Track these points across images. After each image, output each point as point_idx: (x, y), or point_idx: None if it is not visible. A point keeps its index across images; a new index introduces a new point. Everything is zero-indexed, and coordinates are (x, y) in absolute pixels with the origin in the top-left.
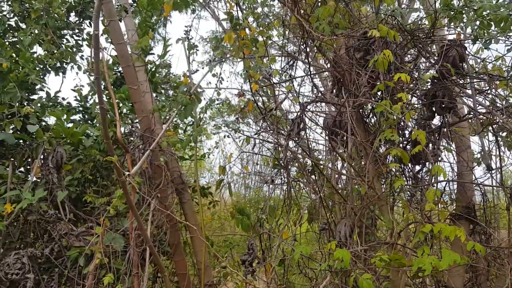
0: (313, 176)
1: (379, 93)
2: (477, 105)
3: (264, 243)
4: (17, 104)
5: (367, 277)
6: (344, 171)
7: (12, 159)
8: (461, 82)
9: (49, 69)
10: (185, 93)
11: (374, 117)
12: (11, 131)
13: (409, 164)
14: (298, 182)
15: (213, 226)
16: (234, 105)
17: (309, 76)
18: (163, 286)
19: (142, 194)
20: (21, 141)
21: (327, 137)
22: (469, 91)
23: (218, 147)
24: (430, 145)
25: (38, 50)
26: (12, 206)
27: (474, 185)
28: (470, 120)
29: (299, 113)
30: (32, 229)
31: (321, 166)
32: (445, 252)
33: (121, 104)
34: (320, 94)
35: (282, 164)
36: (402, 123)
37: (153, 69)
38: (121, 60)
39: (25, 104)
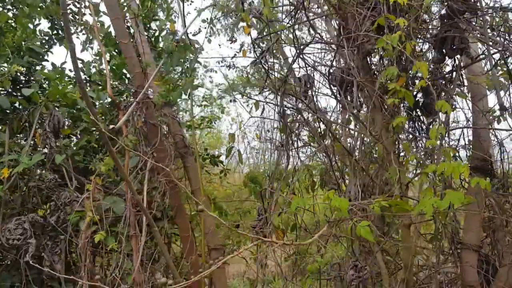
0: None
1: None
2: (491, 43)
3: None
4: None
5: (365, 224)
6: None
7: (9, 124)
8: (472, 19)
9: (54, 40)
10: (171, 40)
11: (382, 65)
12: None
13: (420, 116)
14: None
15: (227, 194)
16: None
17: (307, 19)
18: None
19: (138, 153)
20: (17, 105)
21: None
22: (481, 29)
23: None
24: (443, 93)
25: (43, 24)
26: (9, 171)
27: (490, 136)
28: (484, 61)
29: (295, 57)
30: (33, 195)
31: (332, 127)
32: (448, 193)
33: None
34: (319, 36)
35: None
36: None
37: (155, 34)
38: (110, 12)
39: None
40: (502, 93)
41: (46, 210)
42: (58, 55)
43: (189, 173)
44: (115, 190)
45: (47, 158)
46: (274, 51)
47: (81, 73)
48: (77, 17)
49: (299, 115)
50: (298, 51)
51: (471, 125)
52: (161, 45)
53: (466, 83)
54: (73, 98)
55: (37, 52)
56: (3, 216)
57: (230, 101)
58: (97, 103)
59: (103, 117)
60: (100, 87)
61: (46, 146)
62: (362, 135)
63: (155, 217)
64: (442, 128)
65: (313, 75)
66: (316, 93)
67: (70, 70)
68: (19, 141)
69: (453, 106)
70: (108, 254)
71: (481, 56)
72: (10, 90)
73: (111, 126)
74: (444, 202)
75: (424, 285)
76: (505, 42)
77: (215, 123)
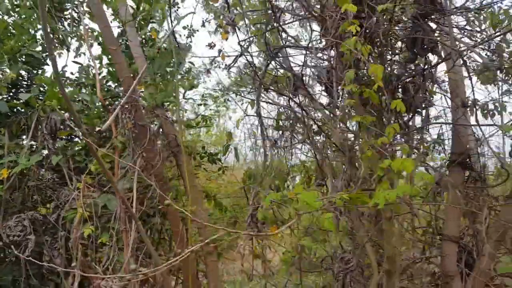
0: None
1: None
2: (456, 43)
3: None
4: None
5: (328, 216)
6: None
7: (8, 127)
8: (439, 20)
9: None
10: (152, 46)
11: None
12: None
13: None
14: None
15: (228, 191)
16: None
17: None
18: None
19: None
20: (16, 109)
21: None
22: (448, 29)
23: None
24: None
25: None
26: (9, 172)
27: (469, 131)
28: (451, 59)
29: (268, 61)
30: (32, 194)
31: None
32: (398, 186)
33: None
34: (290, 39)
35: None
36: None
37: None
38: (98, 21)
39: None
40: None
41: (48, 208)
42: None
43: (182, 172)
44: (106, 188)
45: (46, 159)
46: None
47: (81, 77)
48: (74, 23)
49: (292, 113)
50: (271, 55)
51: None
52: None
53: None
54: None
55: (36, 57)
56: (4, 214)
57: (225, 100)
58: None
59: (99, 120)
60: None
61: (45, 147)
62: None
63: (148, 214)
64: (396, 125)
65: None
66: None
67: (71, 73)
68: (22, 142)
69: (428, 103)
70: (102, 249)
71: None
72: (11, 94)
73: (97, 128)
74: (392, 193)
75: (407, 277)
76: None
77: (219, 121)
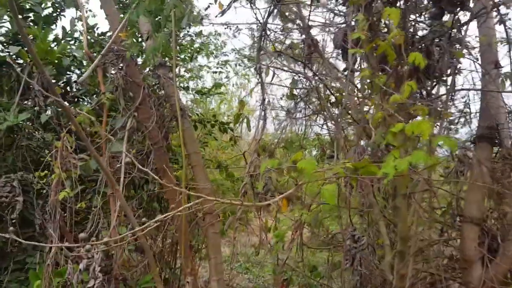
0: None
1: None
2: None
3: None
4: None
5: (329, 188)
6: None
7: None
8: None
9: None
10: None
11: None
12: None
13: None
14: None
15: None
16: None
17: None
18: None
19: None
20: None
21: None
22: None
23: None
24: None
25: None
26: None
27: (500, 102)
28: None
29: (270, 10)
30: (23, 154)
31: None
32: (412, 154)
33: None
34: None
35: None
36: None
37: None
38: None
39: None
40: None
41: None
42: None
43: (184, 137)
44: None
45: (37, 118)
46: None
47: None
48: None
49: (307, 81)
50: (274, 3)
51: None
52: None
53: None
54: (57, 56)
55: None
56: None
57: (236, 65)
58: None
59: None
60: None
61: (36, 105)
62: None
63: (146, 180)
64: (413, 82)
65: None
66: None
67: (80, 33)
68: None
69: (454, 68)
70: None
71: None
72: (2, 47)
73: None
74: (403, 162)
75: (423, 259)
76: None
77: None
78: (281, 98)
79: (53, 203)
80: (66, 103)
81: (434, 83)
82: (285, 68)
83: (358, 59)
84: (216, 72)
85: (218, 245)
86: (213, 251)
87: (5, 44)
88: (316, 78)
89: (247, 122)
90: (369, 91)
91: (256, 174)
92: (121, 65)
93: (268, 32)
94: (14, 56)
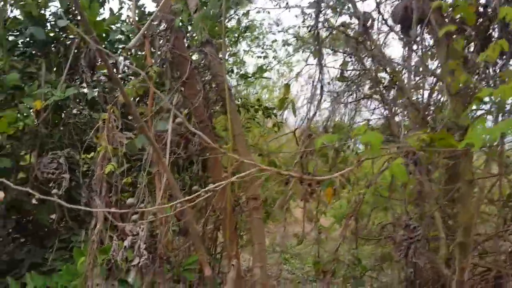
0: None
1: None
2: None
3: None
4: None
5: (400, 161)
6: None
7: (45, 57)
8: None
9: None
10: None
11: None
12: None
13: None
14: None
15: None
16: None
17: None
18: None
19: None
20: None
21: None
22: None
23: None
24: None
25: None
26: (43, 104)
27: None
28: None
29: None
30: (70, 131)
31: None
32: (504, 121)
33: None
34: None
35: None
36: None
37: None
38: None
39: None
40: None
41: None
42: None
43: (230, 118)
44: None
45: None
46: None
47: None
48: None
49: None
50: None
51: None
52: None
53: None
54: (105, 29)
55: None
56: (41, 150)
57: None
58: None
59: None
60: None
61: (83, 81)
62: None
63: (191, 161)
64: (503, 41)
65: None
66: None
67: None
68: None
69: None
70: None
71: None
72: (52, 22)
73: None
74: (494, 130)
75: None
76: None
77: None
78: (328, 83)
79: (99, 178)
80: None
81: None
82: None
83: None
84: (260, 57)
85: (262, 231)
86: (256, 236)
87: (53, 21)
88: (370, 58)
89: (293, 106)
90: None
91: (309, 152)
92: (168, 36)
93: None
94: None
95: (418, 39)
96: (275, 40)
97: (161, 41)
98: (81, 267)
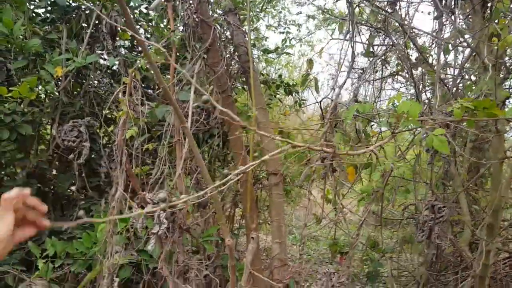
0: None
1: None
2: None
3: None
4: None
5: (440, 132)
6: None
7: (66, 23)
8: None
9: None
10: None
11: None
12: None
13: None
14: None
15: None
16: None
17: None
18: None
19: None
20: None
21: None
22: None
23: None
24: None
25: None
26: (63, 70)
27: None
28: None
29: None
30: (91, 99)
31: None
32: None
33: None
34: None
35: None
36: None
37: None
38: None
39: None
40: None
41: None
42: None
43: (251, 90)
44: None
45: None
46: None
47: None
48: None
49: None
50: None
51: None
52: None
53: None
54: None
55: None
56: (61, 118)
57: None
58: None
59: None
60: None
61: (104, 48)
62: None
63: (211, 134)
64: None
65: None
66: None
67: None
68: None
69: None
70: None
71: None
72: None
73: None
74: None
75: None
76: None
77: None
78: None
79: (120, 143)
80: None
81: None
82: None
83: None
84: (282, 33)
85: (282, 207)
86: (276, 212)
87: None
88: (398, 32)
89: (315, 83)
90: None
91: (334, 126)
92: (192, 0)
93: None
94: None
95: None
96: (300, 12)
97: (184, 5)
98: (100, 234)
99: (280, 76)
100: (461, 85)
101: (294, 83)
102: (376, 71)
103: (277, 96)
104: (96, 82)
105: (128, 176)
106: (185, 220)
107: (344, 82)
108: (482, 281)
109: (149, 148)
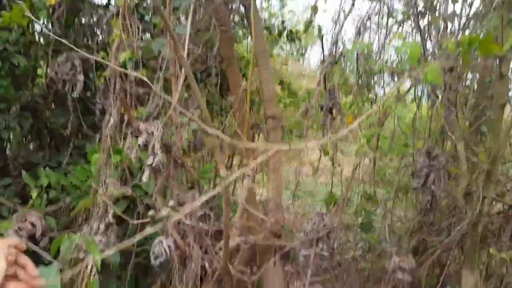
0: None
1: None
2: None
3: None
4: None
5: (436, 65)
6: None
7: None
8: None
9: None
10: None
11: None
12: None
13: None
14: None
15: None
16: None
17: None
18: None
19: None
20: None
21: None
22: None
23: None
24: None
25: None
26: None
27: None
28: None
29: None
30: (85, 33)
31: None
32: None
33: None
34: None
35: None
36: None
37: None
38: None
39: None
40: None
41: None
42: None
43: (254, 32)
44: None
45: None
46: None
47: None
48: None
49: None
50: None
51: None
52: None
53: None
54: None
55: None
56: (55, 52)
57: None
58: None
59: None
60: None
61: None
62: None
63: (209, 74)
64: None
65: None
66: None
67: None
68: None
69: None
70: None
71: None
72: None
73: None
74: None
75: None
76: None
77: None
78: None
79: (114, 70)
80: None
81: None
82: None
83: None
84: None
85: (278, 153)
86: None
87: None
88: None
89: (319, 30)
90: None
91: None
92: None
93: None
94: None
95: None
96: None
97: None
98: (95, 168)
99: (283, 22)
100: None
101: (297, 30)
102: (382, 17)
103: (279, 43)
104: (90, 13)
105: (122, 105)
106: (180, 154)
107: (348, 14)
108: (475, 227)
109: (143, 74)
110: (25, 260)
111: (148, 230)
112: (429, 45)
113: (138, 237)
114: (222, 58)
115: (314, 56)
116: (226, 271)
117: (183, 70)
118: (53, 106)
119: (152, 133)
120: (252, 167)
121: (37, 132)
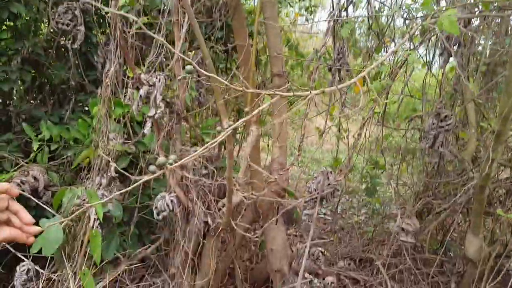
0: None
1: None
2: None
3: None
4: None
5: (451, 12)
6: None
7: None
8: None
9: None
10: None
11: None
12: None
13: None
14: None
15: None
16: None
17: None
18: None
19: None
20: None
21: None
22: None
23: None
24: None
25: None
26: None
27: None
28: None
29: None
30: None
31: None
32: None
33: None
34: None
35: None
36: None
37: None
38: None
39: None
40: None
41: None
42: None
43: None
44: None
45: None
46: None
47: None
48: None
49: None
50: None
51: None
52: None
53: None
54: None
55: None
56: (57, 3)
57: None
58: None
59: None
60: None
61: None
62: None
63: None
64: None
65: None
66: None
67: None
68: None
69: None
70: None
71: None
72: None
73: None
74: None
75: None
76: None
77: None
78: None
79: (114, 16)
80: None
81: None
82: None
83: None
84: None
85: (284, 109)
86: (278, 114)
87: None
88: None
89: None
90: None
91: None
92: None
93: None
94: None
95: None
96: None
97: None
98: (96, 120)
99: None
100: None
101: None
102: None
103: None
104: None
105: (122, 52)
106: (183, 107)
107: None
108: (482, 190)
109: (144, 21)
110: (18, 206)
111: (149, 175)
112: None
113: (141, 181)
114: (226, 11)
115: (323, 19)
116: (229, 227)
117: (186, 18)
118: (55, 60)
119: (154, 84)
120: (256, 112)
121: (39, 87)
